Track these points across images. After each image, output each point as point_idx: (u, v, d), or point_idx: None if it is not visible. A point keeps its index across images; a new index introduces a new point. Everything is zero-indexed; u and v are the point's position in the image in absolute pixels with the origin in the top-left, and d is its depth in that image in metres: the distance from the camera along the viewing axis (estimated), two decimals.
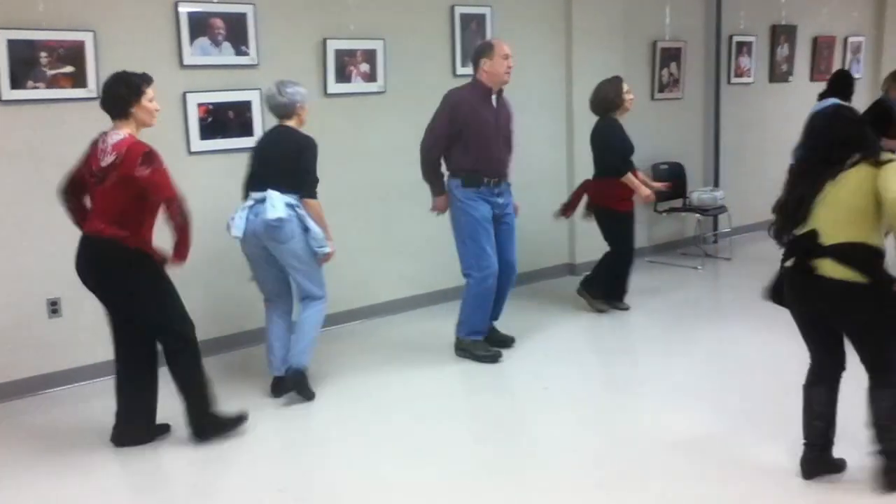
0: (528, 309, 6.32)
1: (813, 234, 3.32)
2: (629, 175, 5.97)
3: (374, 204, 6.08)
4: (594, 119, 6.09)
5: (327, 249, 4.58)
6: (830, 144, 3.34)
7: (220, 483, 3.84)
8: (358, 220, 6.03)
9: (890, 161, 3.23)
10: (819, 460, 3.57)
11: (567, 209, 6.26)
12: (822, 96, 6.93)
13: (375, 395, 4.74)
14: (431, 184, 5.23)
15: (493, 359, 5.22)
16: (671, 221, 8.12)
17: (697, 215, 7.83)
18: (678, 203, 7.88)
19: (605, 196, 6.04)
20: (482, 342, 5.30)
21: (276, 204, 4.42)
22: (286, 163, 4.51)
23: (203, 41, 5.23)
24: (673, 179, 7.82)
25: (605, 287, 6.22)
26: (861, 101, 7.33)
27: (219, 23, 5.27)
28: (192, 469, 3.95)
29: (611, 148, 5.97)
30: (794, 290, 3.45)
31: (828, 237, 3.29)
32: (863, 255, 3.25)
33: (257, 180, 4.60)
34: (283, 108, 4.58)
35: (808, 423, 3.56)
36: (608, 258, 6.19)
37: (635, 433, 4.13)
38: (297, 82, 4.65)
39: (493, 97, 5.12)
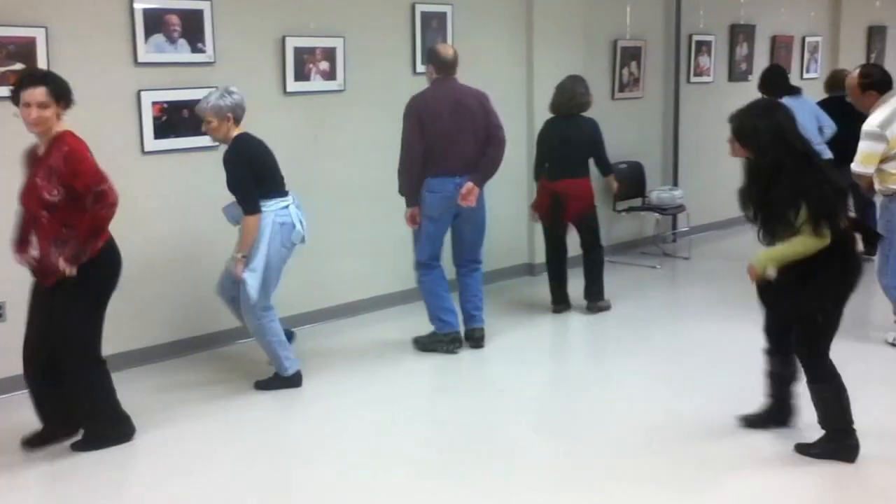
0: (488, 310, 6.31)
1: None
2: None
3: (335, 204, 6.03)
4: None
5: (232, 266, 4.58)
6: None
7: (188, 487, 3.77)
8: (319, 220, 5.93)
9: None
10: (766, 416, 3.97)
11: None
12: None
13: (334, 398, 4.70)
14: (410, 193, 5.22)
15: (453, 349, 5.34)
16: (630, 221, 8.16)
17: (656, 214, 7.88)
18: (637, 202, 7.93)
19: (591, 195, 6.12)
20: (443, 335, 5.38)
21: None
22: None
23: (158, 38, 5.13)
24: (632, 178, 7.90)
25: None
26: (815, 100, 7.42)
27: (175, 19, 5.18)
28: (153, 473, 3.90)
29: (603, 146, 6.16)
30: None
31: None
32: None
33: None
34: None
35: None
36: (599, 257, 6.22)
37: (592, 433, 4.15)
38: (231, 91, 4.55)
39: (452, 97, 5.17)
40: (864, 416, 3.78)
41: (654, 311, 6.22)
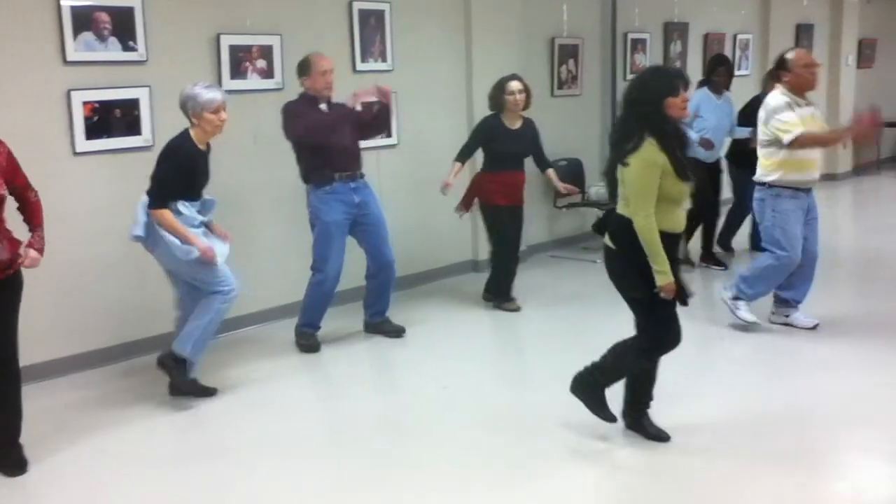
0: (429, 306, 6.31)
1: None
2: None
3: (275, 203, 5.94)
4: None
5: (195, 254, 4.32)
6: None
7: (105, 497, 3.66)
8: (259, 220, 5.88)
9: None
10: (631, 417, 3.99)
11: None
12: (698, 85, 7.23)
13: (271, 400, 4.62)
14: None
15: (311, 349, 5.37)
16: (571, 216, 8.22)
17: (596, 210, 7.95)
18: (577, 198, 7.99)
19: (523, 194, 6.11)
20: (308, 333, 5.43)
21: (139, 217, 4.36)
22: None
23: (87, 36, 4.98)
24: (572, 175, 7.95)
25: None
26: (748, 97, 7.54)
27: (104, 17, 5.03)
28: (78, 482, 3.78)
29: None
30: None
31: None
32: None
33: None
34: (181, 109, 4.44)
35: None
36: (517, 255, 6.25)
37: (534, 429, 4.15)
38: (213, 86, 4.46)
39: (322, 106, 5.21)
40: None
41: (593, 305, 6.26)
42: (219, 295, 4.48)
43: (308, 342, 5.40)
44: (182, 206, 4.37)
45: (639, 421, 3.96)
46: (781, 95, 5.18)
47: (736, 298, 5.48)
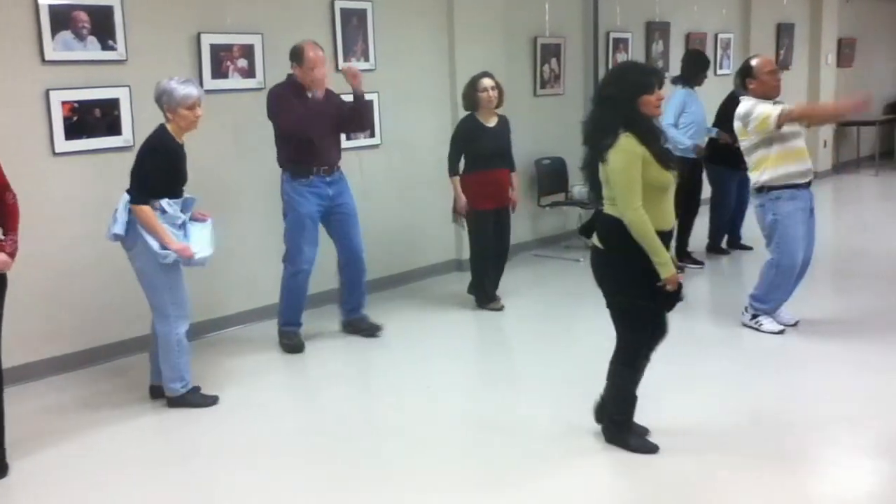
0: (413, 306, 6.30)
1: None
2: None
3: (256, 203, 5.91)
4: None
5: (171, 258, 4.25)
6: None
7: (86, 501, 3.62)
8: (241, 220, 5.84)
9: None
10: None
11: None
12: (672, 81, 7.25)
13: (252, 402, 4.59)
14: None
15: (295, 349, 5.33)
16: (554, 215, 8.23)
17: (579, 209, 7.97)
18: (560, 197, 8.01)
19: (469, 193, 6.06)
20: (291, 332, 5.39)
21: (120, 214, 4.26)
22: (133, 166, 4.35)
23: (66, 35, 4.93)
24: (555, 174, 7.97)
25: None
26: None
27: (83, 16, 4.98)
28: (58, 486, 3.73)
29: (451, 147, 6.08)
30: None
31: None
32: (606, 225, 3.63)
33: None
34: (157, 104, 4.36)
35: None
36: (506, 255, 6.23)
37: (517, 429, 4.14)
38: (190, 81, 4.36)
39: (310, 93, 5.16)
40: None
41: (577, 304, 6.27)
42: (167, 321, 4.36)
43: (292, 342, 5.37)
44: (166, 205, 4.29)
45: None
46: (753, 99, 5.22)
47: (755, 317, 5.40)
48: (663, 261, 3.49)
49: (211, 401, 4.52)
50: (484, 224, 6.00)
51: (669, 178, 3.59)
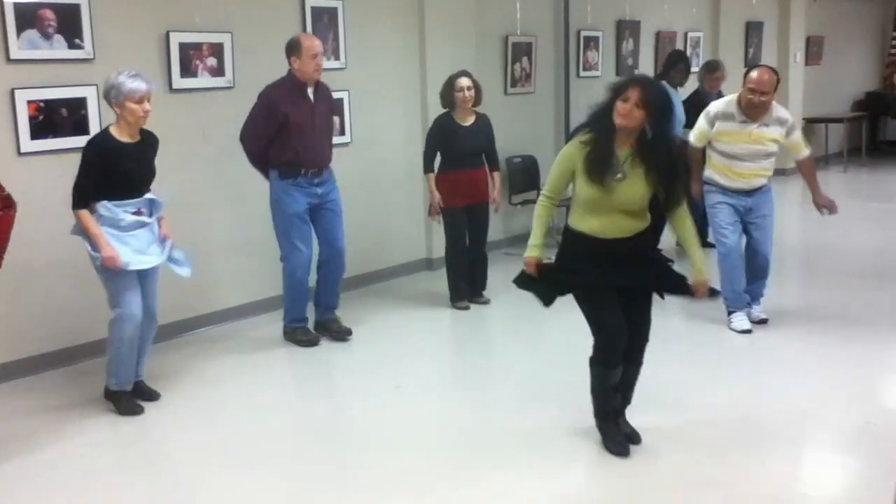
0: (383, 305, 6.30)
1: None
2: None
3: (223, 203, 5.88)
4: None
5: (98, 259, 4.19)
6: None
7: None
8: (207, 220, 5.80)
9: None
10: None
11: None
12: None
13: (220, 405, 4.58)
14: (262, 172, 5.36)
15: (312, 343, 5.37)
16: (526, 213, 8.24)
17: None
18: (532, 195, 8.02)
19: (488, 189, 6.08)
20: (302, 328, 5.45)
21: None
22: None
23: (32, 34, 4.88)
24: (526, 172, 7.99)
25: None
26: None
27: (49, 14, 4.93)
28: (21, 493, 3.70)
29: (426, 145, 6.13)
30: None
31: None
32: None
33: None
34: (105, 99, 4.33)
35: None
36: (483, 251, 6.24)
37: (487, 428, 4.17)
38: (139, 74, 4.26)
39: (310, 90, 5.18)
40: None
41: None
42: (114, 316, 4.34)
43: (307, 337, 5.41)
44: (102, 208, 4.22)
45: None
46: (725, 104, 5.32)
47: (730, 314, 5.48)
48: (530, 244, 3.79)
49: (134, 410, 4.40)
50: (454, 220, 6.04)
51: (593, 194, 3.54)
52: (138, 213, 4.34)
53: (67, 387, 4.84)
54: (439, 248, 7.12)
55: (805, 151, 5.39)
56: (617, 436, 3.80)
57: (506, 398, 4.56)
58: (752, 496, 3.47)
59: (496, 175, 6.20)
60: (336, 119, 5.55)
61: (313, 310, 5.64)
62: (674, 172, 3.60)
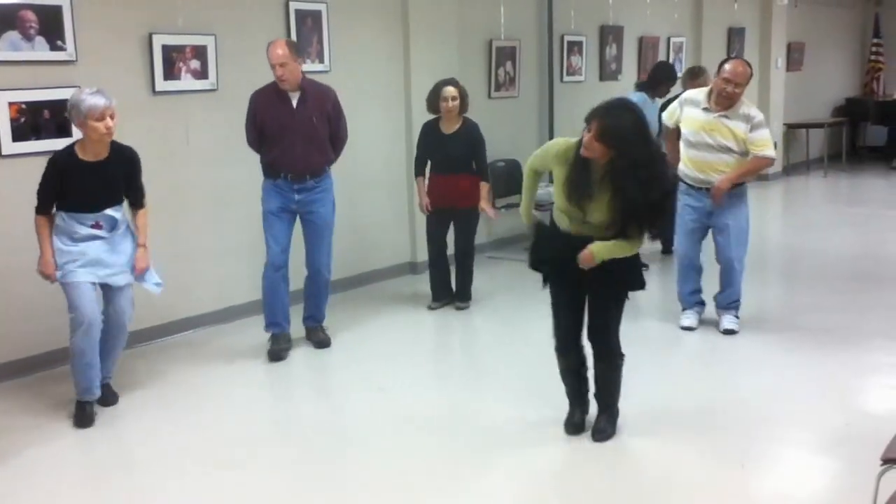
0: (368, 309, 6.29)
1: None
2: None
3: (205, 207, 5.85)
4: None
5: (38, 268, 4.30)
6: None
7: None
8: (187, 224, 5.77)
9: None
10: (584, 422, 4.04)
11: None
12: (637, 87, 7.33)
13: (198, 408, 4.56)
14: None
15: (274, 356, 5.20)
16: (510, 217, 8.25)
17: (535, 211, 8.00)
18: (515, 199, 8.04)
19: (475, 195, 6.08)
20: (275, 335, 5.29)
21: None
22: None
23: (13, 35, 4.85)
24: (510, 176, 8.01)
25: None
26: None
27: (30, 15, 4.90)
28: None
29: (485, 149, 6.13)
30: None
31: None
32: None
33: None
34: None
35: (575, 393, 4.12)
36: (469, 256, 6.24)
37: (472, 428, 4.17)
38: (100, 92, 4.18)
39: (294, 96, 5.13)
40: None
41: (531, 305, 6.30)
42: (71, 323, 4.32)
43: (271, 347, 5.26)
44: (59, 219, 4.29)
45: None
46: (696, 92, 5.41)
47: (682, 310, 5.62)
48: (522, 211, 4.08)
49: (82, 422, 4.30)
50: (429, 221, 6.22)
51: (566, 207, 3.65)
52: (96, 226, 4.31)
53: (34, 393, 4.77)
54: (423, 252, 7.13)
55: (766, 151, 5.19)
56: (570, 416, 4.03)
57: (490, 398, 4.56)
58: (733, 497, 3.49)
59: (484, 186, 6.15)
60: (337, 125, 5.41)
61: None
62: (633, 207, 3.52)
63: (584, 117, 3.58)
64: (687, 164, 5.35)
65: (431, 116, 6.16)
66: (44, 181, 4.26)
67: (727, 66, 5.24)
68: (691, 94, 5.46)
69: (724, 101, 5.21)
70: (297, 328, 5.50)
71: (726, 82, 5.16)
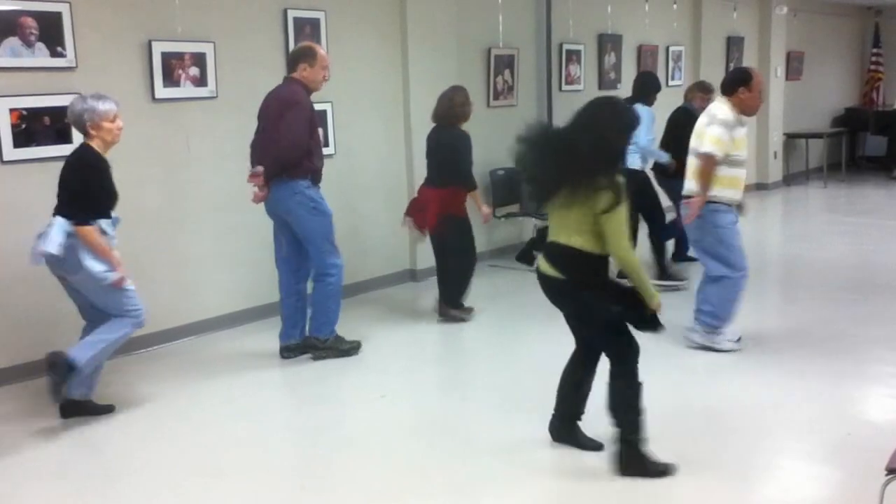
0: (367, 316, 6.27)
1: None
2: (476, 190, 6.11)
3: (204, 214, 5.85)
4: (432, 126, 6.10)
5: (110, 278, 4.21)
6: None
7: None
8: (187, 231, 5.78)
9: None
10: (561, 428, 3.93)
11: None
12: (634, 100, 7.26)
13: (193, 416, 4.55)
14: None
15: (355, 349, 5.37)
16: (509, 226, 8.28)
17: (534, 219, 8.03)
18: (515, 208, 8.06)
19: (453, 204, 6.01)
20: (286, 346, 5.35)
21: (54, 237, 4.12)
22: (64, 186, 4.26)
23: (13, 42, 4.86)
24: (509, 185, 8.01)
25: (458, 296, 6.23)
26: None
27: (30, 22, 4.92)
28: None
29: (465, 159, 5.97)
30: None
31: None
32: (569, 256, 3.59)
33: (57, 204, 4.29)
34: (74, 125, 4.34)
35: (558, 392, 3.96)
36: (461, 266, 6.18)
37: (471, 438, 4.16)
38: (104, 95, 4.29)
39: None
40: None
41: (530, 314, 6.30)
42: (129, 319, 4.35)
43: (350, 343, 5.40)
44: (106, 225, 4.26)
45: (571, 432, 3.95)
46: (726, 113, 5.07)
47: (710, 333, 5.30)
48: (651, 294, 3.60)
49: (107, 409, 4.45)
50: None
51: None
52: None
53: (17, 402, 4.73)
54: (423, 260, 7.14)
55: (706, 147, 5.01)
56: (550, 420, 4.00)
57: (490, 408, 4.55)
58: None
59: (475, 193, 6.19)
60: (320, 130, 5.42)
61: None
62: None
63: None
64: (734, 186, 5.12)
65: (430, 125, 6.10)
66: (96, 184, 4.22)
67: (758, 78, 5.14)
68: (722, 115, 5.07)
69: (752, 113, 5.21)
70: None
71: (761, 94, 5.14)
